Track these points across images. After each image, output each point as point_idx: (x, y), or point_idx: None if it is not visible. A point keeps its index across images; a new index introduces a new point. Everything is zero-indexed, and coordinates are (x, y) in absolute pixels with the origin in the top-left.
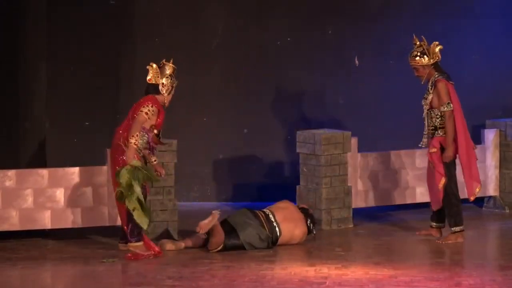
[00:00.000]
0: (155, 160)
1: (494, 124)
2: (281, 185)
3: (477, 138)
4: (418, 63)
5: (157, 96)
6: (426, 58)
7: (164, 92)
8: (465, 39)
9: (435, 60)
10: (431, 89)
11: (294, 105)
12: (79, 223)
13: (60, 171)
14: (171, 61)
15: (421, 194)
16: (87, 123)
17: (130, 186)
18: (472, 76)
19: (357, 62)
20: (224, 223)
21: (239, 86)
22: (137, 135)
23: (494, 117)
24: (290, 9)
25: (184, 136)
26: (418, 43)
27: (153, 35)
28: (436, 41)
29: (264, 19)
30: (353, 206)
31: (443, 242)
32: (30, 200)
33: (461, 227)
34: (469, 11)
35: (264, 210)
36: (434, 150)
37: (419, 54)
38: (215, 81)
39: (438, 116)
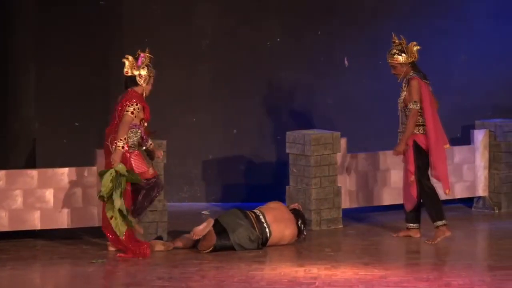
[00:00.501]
0: (151, 144)
1: (483, 125)
2: (270, 185)
3: (467, 139)
4: (396, 60)
5: (135, 88)
6: (404, 56)
7: (142, 82)
8: (454, 40)
9: (413, 59)
10: (405, 86)
11: (284, 105)
12: (68, 224)
13: (50, 171)
14: (147, 50)
15: None
16: (76, 124)
17: (110, 197)
18: (461, 76)
19: (346, 62)
20: (215, 223)
21: (228, 86)
22: (125, 138)
23: (483, 117)
24: (280, 10)
25: (174, 137)
26: (397, 41)
27: (143, 35)
28: (426, 41)
29: (254, 19)
30: (342, 207)
31: (433, 242)
32: (19, 200)
33: (443, 221)
34: (459, 12)
35: (255, 210)
36: (406, 147)
37: (397, 52)
38: (205, 81)
39: None
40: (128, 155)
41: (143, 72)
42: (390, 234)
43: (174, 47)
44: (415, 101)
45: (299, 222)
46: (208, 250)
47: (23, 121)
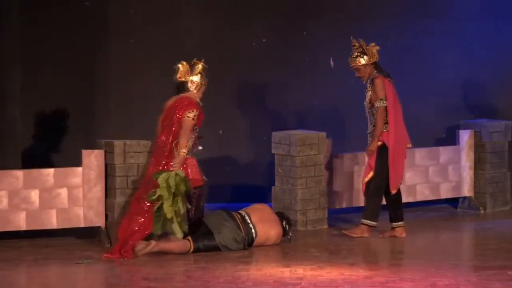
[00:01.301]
0: (200, 148)
1: (468, 125)
2: (256, 186)
3: (452, 139)
4: (358, 63)
5: (188, 94)
6: (366, 58)
7: (193, 89)
8: (441, 40)
9: (374, 59)
10: (369, 87)
11: (270, 106)
12: (54, 225)
13: (35, 172)
14: (203, 60)
15: None
16: (62, 125)
17: (175, 200)
18: (447, 77)
19: (332, 63)
20: (201, 224)
21: (214, 87)
22: (188, 144)
23: (468, 118)
24: (266, 10)
25: None
26: (357, 44)
27: (128, 36)
28: (413, 42)
29: (239, 20)
30: (328, 207)
31: (348, 233)
32: (5, 201)
33: (370, 222)
34: (445, 13)
35: (240, 211)
36: (379, 143)
37: (359, 54)
38: None
39: None
40: (186, 161)
41: (196, 78)
42: (376, 235)
43: (159, 48)
44: (381, 99)
45: (284, 223)
46: (191, 251)
47: (8, 122)
